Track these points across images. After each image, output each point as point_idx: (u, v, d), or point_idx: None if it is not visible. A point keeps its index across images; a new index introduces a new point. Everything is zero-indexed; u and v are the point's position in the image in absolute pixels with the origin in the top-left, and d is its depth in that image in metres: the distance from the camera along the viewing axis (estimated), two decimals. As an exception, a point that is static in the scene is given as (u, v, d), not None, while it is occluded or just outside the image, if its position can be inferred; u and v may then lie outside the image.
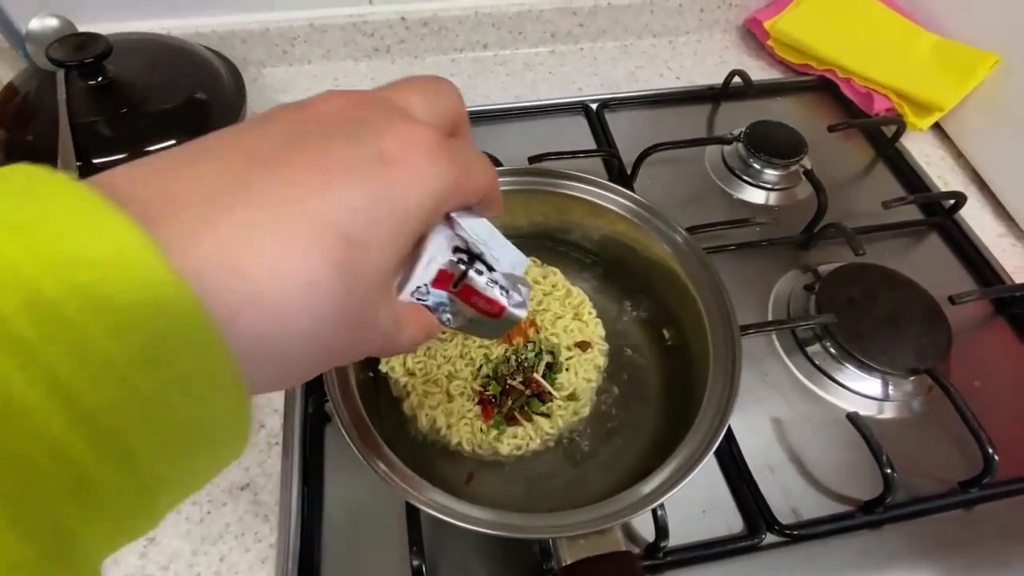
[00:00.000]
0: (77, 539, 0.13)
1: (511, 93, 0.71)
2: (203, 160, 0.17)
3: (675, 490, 0.34)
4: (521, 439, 0.42)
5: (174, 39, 0.64)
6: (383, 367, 0.44)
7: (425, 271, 0.23)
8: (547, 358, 0.44)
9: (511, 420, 0.42)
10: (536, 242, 0.51)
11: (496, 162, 0.56)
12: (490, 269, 0.25)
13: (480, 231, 0.24)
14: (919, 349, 0.49)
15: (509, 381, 0.43)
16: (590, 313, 0.47)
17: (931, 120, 0.66)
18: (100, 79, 0.55)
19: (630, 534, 0.42)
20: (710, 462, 0.45)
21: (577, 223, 0.49)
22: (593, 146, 0.65)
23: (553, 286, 0.48)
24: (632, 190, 0.58)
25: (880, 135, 0.68)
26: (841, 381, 0.49)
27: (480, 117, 0.67)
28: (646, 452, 0.43)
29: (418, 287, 0.23)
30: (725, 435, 0.45)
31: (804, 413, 0.48)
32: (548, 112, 0.69)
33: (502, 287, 0.25)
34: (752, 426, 0.47)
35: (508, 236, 0.26)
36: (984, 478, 0.43)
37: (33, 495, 0.12)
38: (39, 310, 0.12)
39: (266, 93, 0.70)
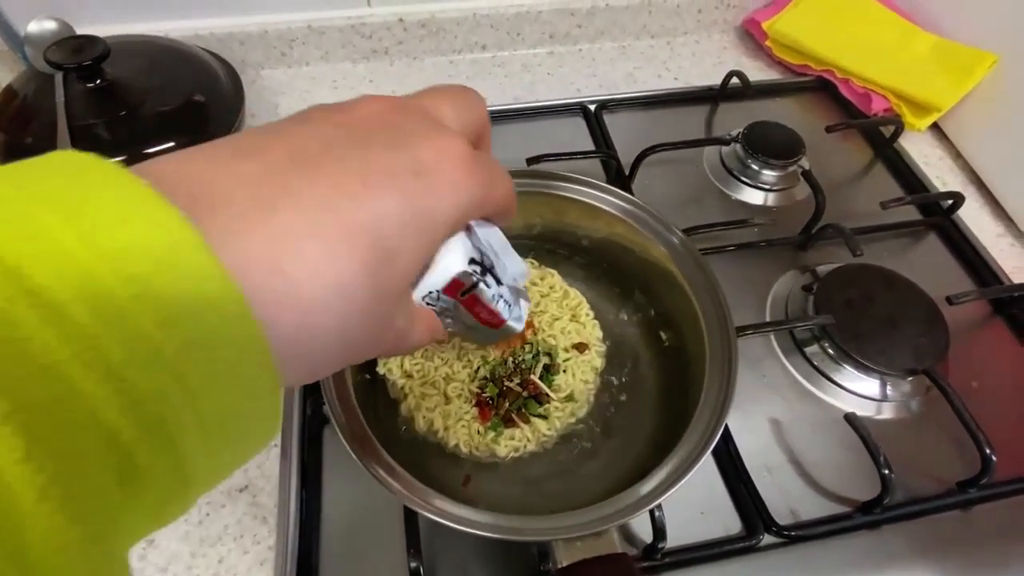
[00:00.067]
0: (118, 524, 0.14)
1: (509, 94, 0.71)
2: (248, 157, 0.17)
3: (671, 491, 0.34)
4: (518, 441, 0.42)
5: (172, 41, 0.64)
6: (381, 369, 0.44)
7: (439, 277, 0.23)
8: (544, 360, 0.44)
9: (508, 422, 0.42)
10: (533, 244, 0.51)
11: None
12: (498, 282, 0.26)
13: (494, 242, 0.25)
14: (917, 350, 0.49)
15: (506, 383, 0.43)
16: (587, 315, 0.47)
17: (929, 120, 0.66)
18: (98, 81, 0.56)
19: (628, 535, 0.42)
20: (708, 463, 0.45)
21: (574, 225, 0.49)
22: (591, 147, 0.65)
23: (551, 288, 0.48)
24: (630, 191, 0.58)
25: (878, 135, 0.68)
26: (839, 382, 0.49)
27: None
28: (644, 454, 0.43)
29: (430, 292, 0.24)
30: (723, 436, 0.45)
31: (802, 414, 0.48)
32: (546, 113, 0.69)
33: (506, 301, 0.27)
34: (750, 427, 0.47)
35: (506, 237, 0.26)
36: (982, 478, 0.43)
37: (83, 479, 0.13)
38: (95, 299, 0.13)
39: (264, 95, 0.70)
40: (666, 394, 0.46)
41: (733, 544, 0.42)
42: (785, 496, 0.44)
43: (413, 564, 0.37)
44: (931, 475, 0.45)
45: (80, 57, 0.53)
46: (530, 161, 0.58)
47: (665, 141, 0.60)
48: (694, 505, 0.43)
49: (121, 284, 0.13)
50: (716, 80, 0.70)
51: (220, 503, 0.43)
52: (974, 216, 0.61)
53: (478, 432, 0.42)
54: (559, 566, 0.32)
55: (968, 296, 0.52)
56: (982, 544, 0.43)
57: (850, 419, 0.44)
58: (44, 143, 0.51)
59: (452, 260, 0.23)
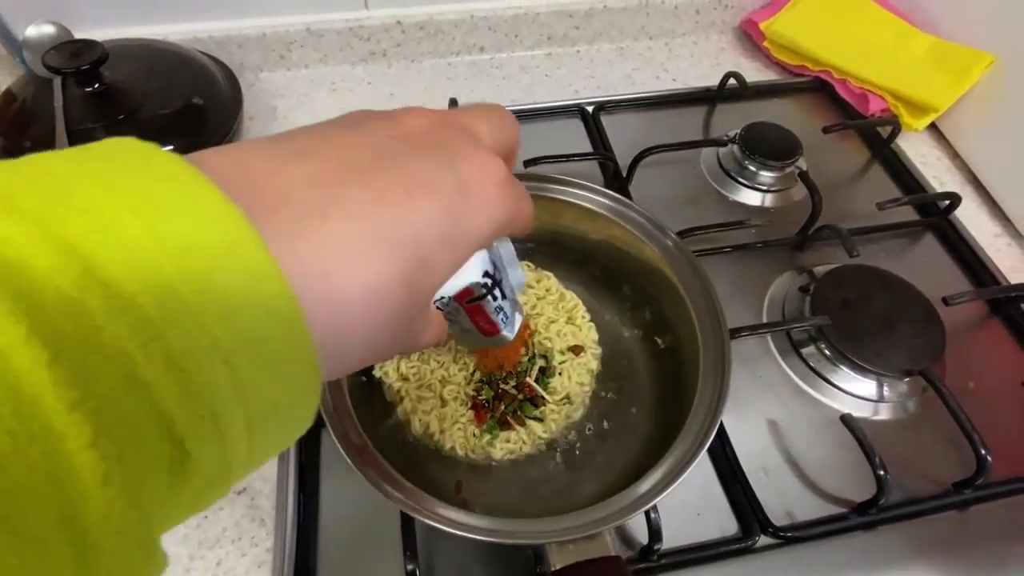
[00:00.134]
0: (163, 510, 0.14)
1: (507, 96, 0.71)
2: (301, 161, 0.18)
3: (667, 492, 0.34)
4: (514, 443, 0.42)
5: (170, 45, 0.64)
6: (377, 372, 0.45)
7: (454, 284, 0.24)
8: (540, 362, 0.44)
9: (504, 424, 0.42)
10: (529, 246, 0.51)
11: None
12: (503, 296, 0.27)
13: (505, 255, 0.27)
14: (913, 350, 0.49)
15: (502, 385, 0.43)
16: (583, 317, 0.47)
17: (927, 121, 0.66)
18: (97, 85, 0.56)
19: (624, 537, 0.42)
20: (704, 464, 0.45)
21: (570, 227, 0.49)
22: (589, 149, 0.65)
23: (547, 290, 0.48)
24: (627, 193, 0.58)
25: (876, 136, 0.68)
26: (835, 382, 0.49)
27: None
28: (639, 455, 0.43)
29: (441, 297, 0.24)
30: (719, 437, 0.45)
31: (799, 415, 0.48)
32: (544, 115, 0.69)
33: (505, 313, 0.28)
34: (746, 428, 0.47)
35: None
36: (978, 479, 0.43)
37: (141, 465, 0.13)
38: (159, 290, 0.13)
39: (263, 98, 0.70)
40: (662, 397, 0.46)
41: (729, 545, 0.42)
42: (781, 497, 0.44)
43: (410, 567, 0.37)
44: (927, 476, 0.45)
45: (78, 61, 0.53)
46: (527, 163, 0.58)
47: (662, 142, 0.60)
48: (690, 506, 0.43)
49: (186, 278, 0.13)
50: (714, 81, 0.70)
51: (218, 505, 0.43)
52: (971, 216, 0.61)
53: (474, 435, 0.42)
54: (553, 568, 0.32)
55: (965, 296, 0.52)
56: (978, 544, 0.43)
57: (846, 420, 0.44)
58: (43, 147, 0.51)
59: (469, 270, 0.24)
